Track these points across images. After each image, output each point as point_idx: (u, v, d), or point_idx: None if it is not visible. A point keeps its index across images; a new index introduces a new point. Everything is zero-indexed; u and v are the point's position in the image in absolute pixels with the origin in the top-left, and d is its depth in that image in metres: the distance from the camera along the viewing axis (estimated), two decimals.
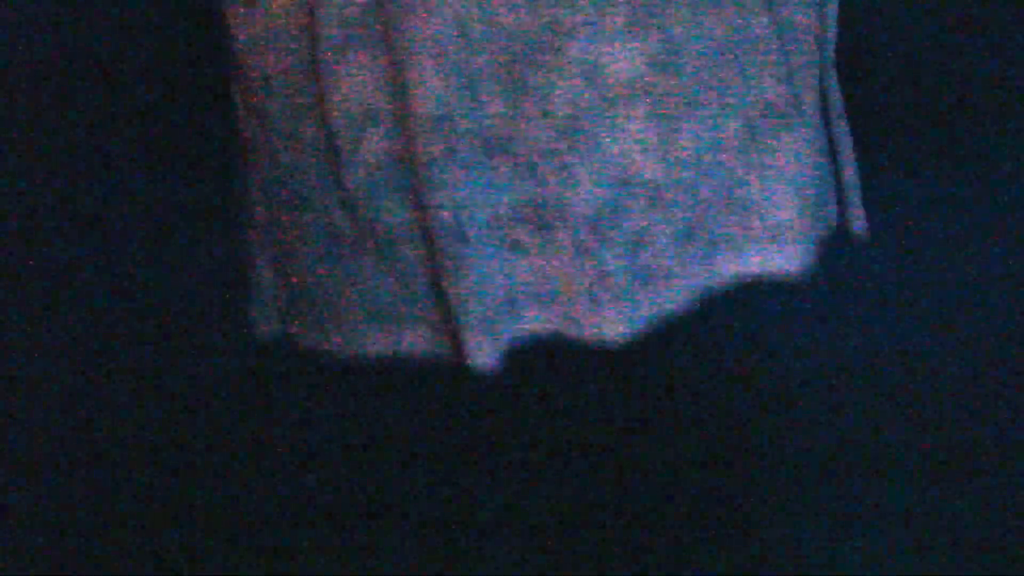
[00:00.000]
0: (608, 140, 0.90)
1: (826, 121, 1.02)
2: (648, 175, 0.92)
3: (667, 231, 0.94)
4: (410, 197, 0.92)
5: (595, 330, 0.94)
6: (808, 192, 1.00)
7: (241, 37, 0.96)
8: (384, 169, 0.92)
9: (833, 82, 1.04)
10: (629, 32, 0.88)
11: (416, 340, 0.98)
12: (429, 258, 0.93)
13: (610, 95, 0.89)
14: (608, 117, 0.89)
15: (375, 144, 0.92)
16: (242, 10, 0.95)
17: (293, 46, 0.93)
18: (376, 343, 1.00)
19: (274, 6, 0.94)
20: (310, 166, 0.96)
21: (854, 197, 1.08)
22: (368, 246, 0.96)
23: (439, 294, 0.94)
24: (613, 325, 0.94)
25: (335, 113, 0.92)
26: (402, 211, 0.93)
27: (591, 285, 0.93)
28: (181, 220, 2.06)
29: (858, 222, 1.09)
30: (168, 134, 2.15)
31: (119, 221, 2.08)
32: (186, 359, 1.82)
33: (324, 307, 1.01)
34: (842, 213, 1.08)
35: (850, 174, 1.07)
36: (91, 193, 2.04)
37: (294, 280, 1.02)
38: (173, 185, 2.09)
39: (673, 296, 0.96)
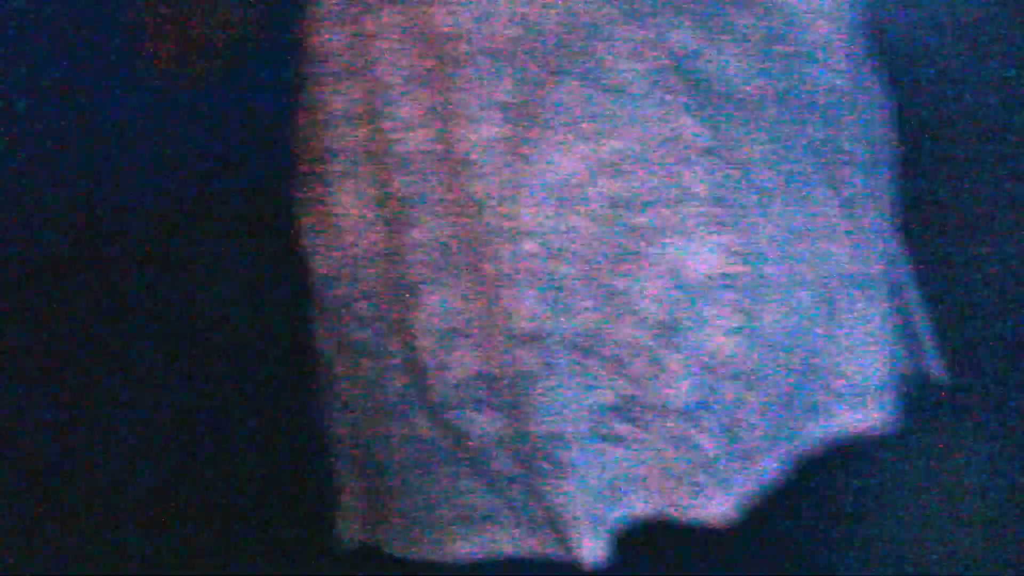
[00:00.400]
0: (695, 332, 0.90)
1: (895, 282, 1.03)
2: (736, 361, 0.92)
3: (759, 410, 0.94)
4: (504, 409, 0.92)
5: (699, 513, 0.93)
6: (885, 351, 1.00)
7: (319, 265, 0.97)
8: (473, 384, 0.92)
9: (899, 246, 1.05)
10: (707, 228, 0.89)
11: (508, 541, 0.97)
12: (527, 461, 0.93)
13: (694, 289, 0.89)
14: (693, 310, 0.89)
15: (464, 360, 0.92)
16: (321, 237, 0.97)
17: (376, 270, 0.94)
18: (467, 547, 0.98)
19: (351, 230, 0.95)
20: (394, 380, 0.96)
21: (929, 347, 1.08)
22: (457, 455, 0.95)
23: (536, 495, 0.93)
24: (716, 507, 0.93)
25: (421, 330, 0.92)
26: (494, 420, 0.93)
27: (692, 471, 0.93)
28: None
29: (936, 369, 1.09)
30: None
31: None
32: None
33: (411, 514, 1.00)
34: (920, 364, 1.08)
35: (922, 326, 1.07)
36: None
37: (379, 490, 1.02)
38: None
39: (770, 469, 0.96)
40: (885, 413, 1.01)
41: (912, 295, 1.06)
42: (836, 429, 1.00)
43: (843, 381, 0.99)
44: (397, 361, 0.95)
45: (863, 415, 1.00)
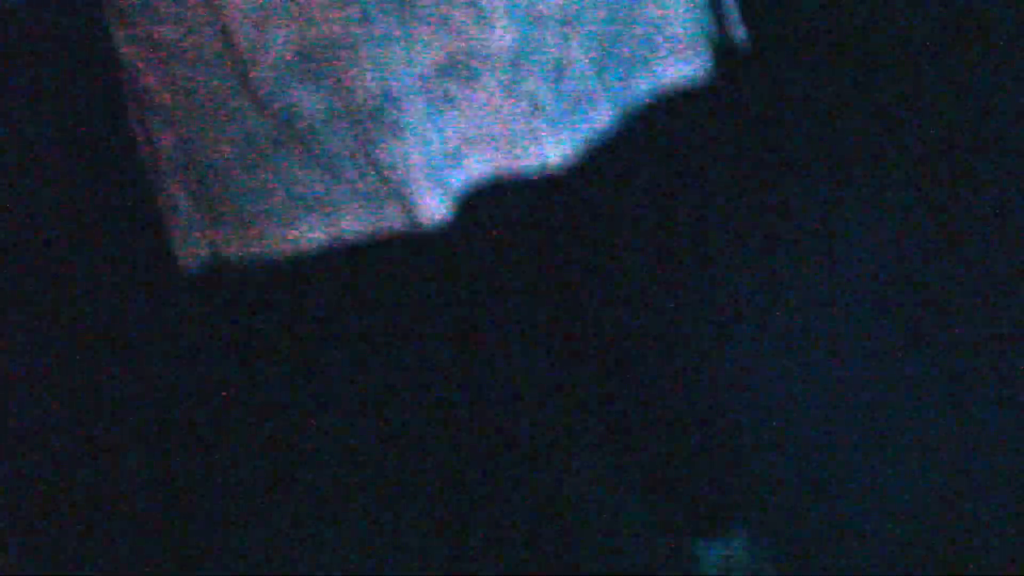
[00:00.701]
0: None
1: None
2: (556, 7, 0.93)
3: (584, 57, 0.96)
4: (328, 80, 0.91)
5: (538, 160, 0.95)
6: (698, 8, 1.04)
7: None
8: (293, 60, 0.91)
9: None
10: None
11: (354, 220, 0.97)
12: (360, 134, 0.93)
13: None
14: None
15: (281, 36, 0.90)
16: None
17: None
18: (313, 233, 0.99)
19: None
20: (212, 74, 0.94)
21: (733, 11, 1.12)
22: (288, 139, 0.95)
23: (375, 164, 0.93)
24: (554, 151, 0.95)
25: (232, 11, 0.90)
26: (319, 96, 0.92)
27: (525, 119, 0.94)
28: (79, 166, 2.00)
29: (739, 34, 1.13)
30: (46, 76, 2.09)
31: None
32: (119, 304, 1.77)
33: (249, 207, 0.99)
34: (725, 26, 1.12)
35: None
36: None
37: (214, 193, 1.01)
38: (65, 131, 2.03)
39: (601, 116, 0.98)
40: (701, 65, 1.05)
41: None
42: (659, 81, 1.03)
43: (660, 34, 1.02)
44: (211, 53, 0.93)
45: (682, 67, 1.04)
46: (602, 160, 1.03)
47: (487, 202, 0.99)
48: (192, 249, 1.06)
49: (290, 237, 0.99)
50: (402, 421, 1.20)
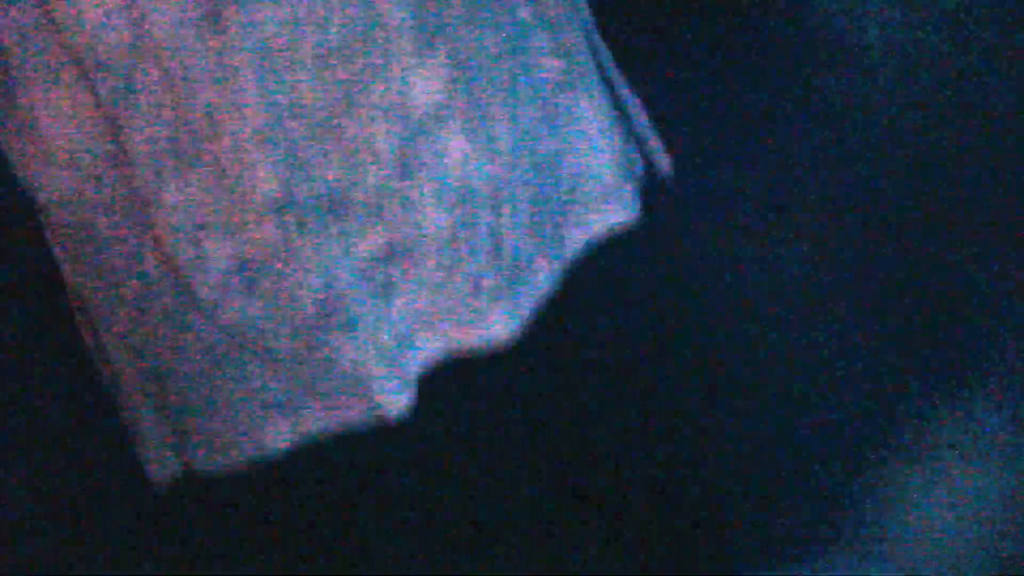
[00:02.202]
0: (435, 164, 0.93)
1: (608, 84, 1.08)
2: (483, 183, 0.96)
3: (518, 225, 0.98)
4: (269, 287, 0.93)
5: (486, 336, 0.97)
6: (615, 150, 1.06)
7: (42, 193, 0.95)
8: (231, 271, 0.93)
9: (601, 47, 1.10)
10: (420, 59, 0.91)
11: (318, 420, 0.99)
12: (310, 335, 0.94)
13: (423, 123, 0.92)
14: (428, 143, 0.92)
15: (218, 250, 0.92)
16: (36, 162, 0.94)
17: (104, 183, 0.92)
18: (280, 437, 1.00)
19: (65, 148, 0.93)
20: (159, 291, 0.96)
21: (653, 144, 1.14)
22: (242, 347, 0.96)
23: (330, 363, 0.95)
24: (500, 327, 0.97)
25: (168, 231, 0.92)
26: (263, 304, 0.94)
27: (468, 299, 0.96)
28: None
29: (662, 166, 1.15)
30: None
31: None
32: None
33: (214, 419, 1.01)
34: (647, 162, 1.14)
35: (642, 125, 1.13)
36: None
37: (177, 407, 1.02)
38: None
39: (541, 279, 1.00)
40: (629, 208, 1.07)
41: (624, 91, 1.11)
42: (591, 231, 1.05)
43: (586, 184, 1.04)
44: (154, 271, 0.95)
45: (610, 213, 1.06)
46: (549, 321, 1.05)
47: (444, 383, 1.00)
48: (162, 463, 1.07)
49: (258, 443, 1.00)
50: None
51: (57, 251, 1.02)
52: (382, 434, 0.99)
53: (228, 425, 1.01)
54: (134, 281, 0.97)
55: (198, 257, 0.93)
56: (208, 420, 1.01)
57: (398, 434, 1.00)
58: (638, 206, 1.08)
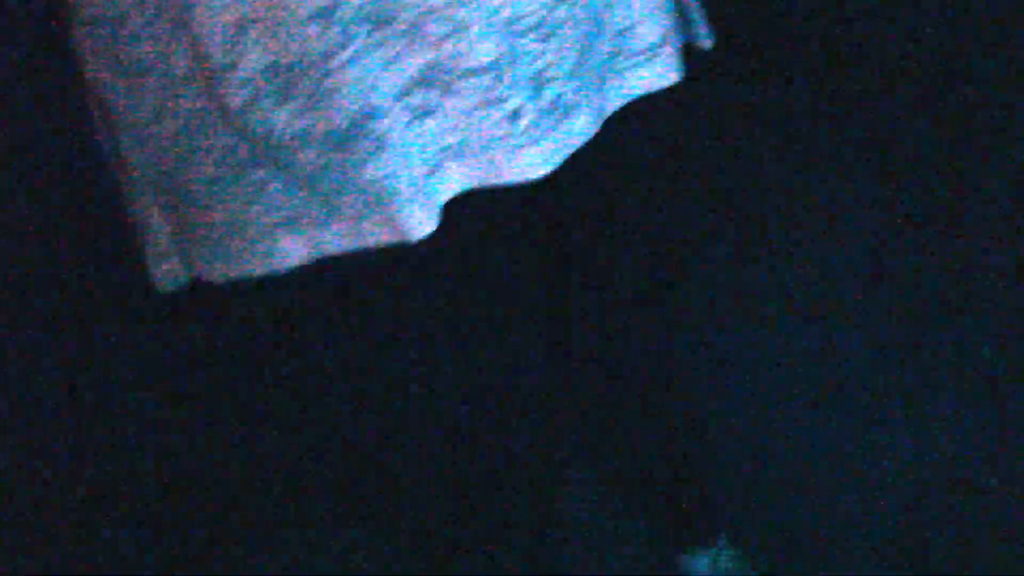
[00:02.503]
0: None
1: None
2: (533, 17, 0.93)
3: (563, 65, 0.96)
4: (303, 97, 0.91)
5: (516, 171, 0.95)
6: (666, 13, 1.05)
7: None
8: (267, 76, 0.90)
9: None
10: None
11: (337, 237, 0.97)
12: (339, 152, 0.92)
13: None
14: None
15: (255, 53, 0.89)
16: None
17: None
18: (294, 252, 0.98)
19: None
20: (183, 93, 0.94)
21: (699, 15, 1.13)
22: (264, 157, 0.94)
23: (357, 182, 0.93)
24: (533, 163, 0.95)
25: (205, 29, 0.90)
26: (294, 114, 0.91)
27: (505, 129, 0.94)
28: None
29: (705, 36, 1.14)
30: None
31: None
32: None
33: (228, 229, 0.99)
34: (690, 31, 1.13)
35: None
36: None
37: (190, 213, 1.00)
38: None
39: (579, 125, 0.98)
40: (670, 71, 1.05)
41: None
42: (631, 87, 1.04)
43: (630, 41, 1.02)
44: (181, 70, 0.92)
45: (652, 73, 1.04)
46: (581, 167, 1.03)
47: (470, 212, 0.98)
48: (168, 270, 1.05)
49: (270, 257, 0.98)
50: (390, 432, 1.19)
51: (82, 44, 0.99)
52: (401, 257, 0.97)
53: (240, 236, 0.99)
54: (160, 80, 0.94)
55: (233, 59, 0.90)
56: (220, 230, 0.99)
57: (416, 258, 0.98)
58: (680, 71, 1.06)
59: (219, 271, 1.01)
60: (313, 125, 0.92)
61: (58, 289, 1.94)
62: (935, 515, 1.66)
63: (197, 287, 1.04)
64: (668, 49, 1.04)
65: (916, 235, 1.99)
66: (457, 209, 0.97)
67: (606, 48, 1.01)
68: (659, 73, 1.05)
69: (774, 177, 2.10)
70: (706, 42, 1.14)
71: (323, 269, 0.98)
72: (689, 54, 1.10)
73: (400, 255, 0.96)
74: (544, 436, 1.24)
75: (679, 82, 1.06)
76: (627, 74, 1.03)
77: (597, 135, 1.00)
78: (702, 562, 1.61)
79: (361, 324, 1.05)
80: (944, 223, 1.99)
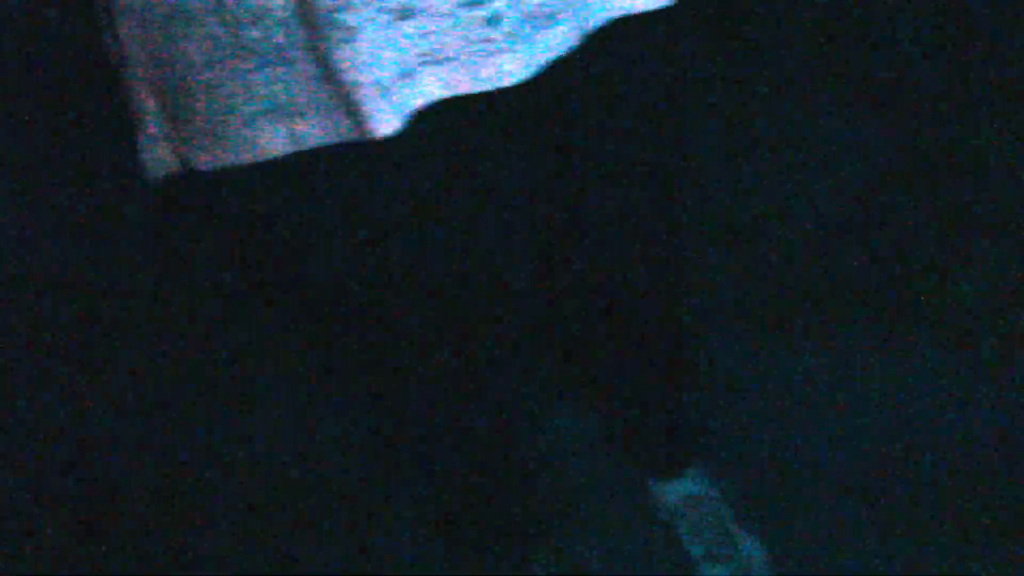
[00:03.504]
0: None
1: None
2: None
3: None
4: None
5: (493, 76, 0.96)
6: None
7: None
8: None
9: None
10: None
11: (313, 128, 0.99)
12: (315, 37, 0.94)
13: None
14: None
15: None
16: None
17: None
18: (276, 141, 1.00)
19: None
20: None
21: None
22: (249, 44, 0.96)
23: (330, 71, 0.95)
24: (510, 69, 0.96)
25: None
26: (280, 1, 0.94)
27: (483, 33, 0.95)
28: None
29: None
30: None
31: None
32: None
33: (216, 117, 1.01)
34: None
35: None
36: None
37: (181, 100, 1.02)
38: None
39: (560, 36, 0.99)
40: None
41: None
42: (620, 5, 1.03)
43: None
44: None
45: None
46: (558, 79, 1.04)
47: (442, 117, 0.99)
48: (159, 157, 1.08)
49: (254, 145, 1.01)
50: (378, 357, 1.22)
51: None
52: (374, 152, 0.99)
53: (227, 125, 1.01)
54: None
55: None
56: (205, 117, 1.01)
57: (387, 155, 1.00)
58: None
59: (205, 159, 1.04)
60: (293, 8, 0.93)
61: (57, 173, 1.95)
62: (905, 453, 1.68)
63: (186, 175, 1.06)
64: None
65: None
66: (426, 114, 0.98)
67: None
68: None
69: (767, 111, 2.09)
70: None
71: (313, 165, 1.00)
72: None
73: (373, 155, 0.97)
74: (529, 362, 1.25)
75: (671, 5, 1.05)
76: None
77: (581, 49, 1.01)
78: (673, 490, 1.64)
79: (342, 233, 1.07)
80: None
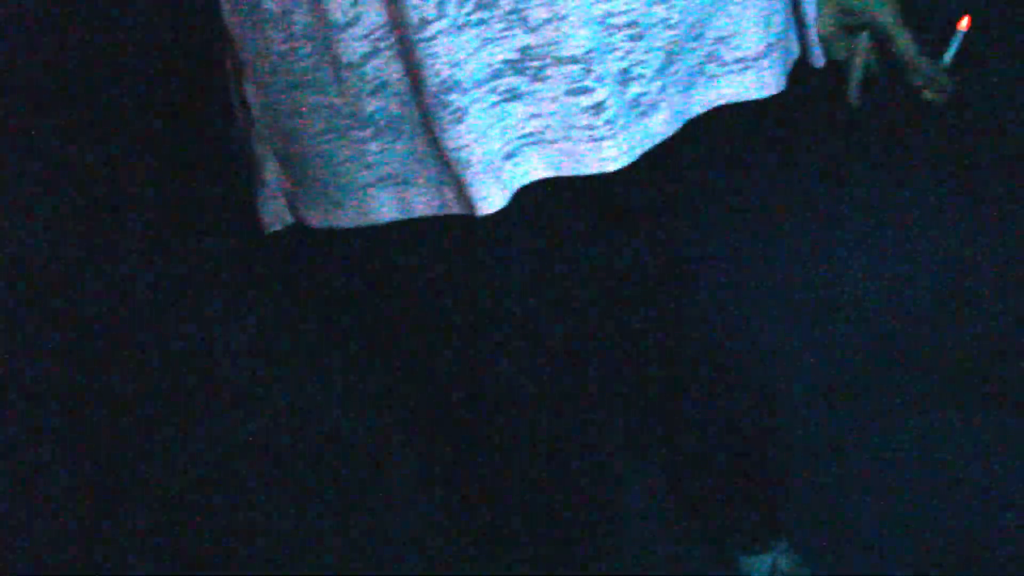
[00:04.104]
0: None
1: None
2: (628, 14, 0.98)
3: (650, 64, 1.00)
4: (405, 60, 0.97)
5: (595, 161, 1.00)
6: (772, 27, 1.06)
7: None
8: (380, 38, 0.97)
9: None
10: None
11: (420, 199, 1.03)
12: (429, 115, 0.98)
13: None
14: None
15: (371, 13, 0.96)
16: None
17: None
18: (385, 208, 1.05)
19: None
20: (303, 44, 1.01)
21: (812, 32, 1.14)
22: (366, 115, 1.00)
23: (439, 147, 0.99)
24: (610, 155, 0.99)
25: None
26: (398, 76, 0.98)
27: (587, 120, 0.99)
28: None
29: (817, 55, 1.15)
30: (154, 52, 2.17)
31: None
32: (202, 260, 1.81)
33: (331, 181, 1.06)
34: (803, 46, 1.14)
35: (810, 11, 1.13)
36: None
37: (298, 160, 1.07)
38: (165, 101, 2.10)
39: (660, 124, 1.02)
40: (768, 84, 1.07)
41: None
42: (722, 94, 1.06)
43: (729, 48, 1.05)
44: (301, 28, 0.99)
45: (746, 83, 1.06)
46: (656, 166, 1.06)
47: (543, 196, 1.02)
48: (275, 211, 1.13)
49: (362, 211, 1.05)
50: (447, 412, 1.24)
51: (226, 6, 1.07)
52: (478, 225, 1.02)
53: (340, 188, 1.06)
54: (281, 33, 1.01)
55: (353, 16, 0.96)
56: (320, 180, 1.06)
57: (491, 227, 1.03)
58: (780, 84, 1.08)
59: (318, 218, 1.09)
60: (410, 84, 0.98)
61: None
62: (992, 526, 1.66)
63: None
64: (765, 62, 1.06)
65: None
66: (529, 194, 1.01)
67: (702, 52, 1.04)
68: (750, 84, 1.06)
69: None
70: (819, 60, 1.15)
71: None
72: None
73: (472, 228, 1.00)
74: (603, 431, 1.27)
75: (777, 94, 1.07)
76: (717, 80, 1.06)
77: (680, 136, 1.03)
78: (760, 564, 1.64)
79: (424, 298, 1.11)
80: None
